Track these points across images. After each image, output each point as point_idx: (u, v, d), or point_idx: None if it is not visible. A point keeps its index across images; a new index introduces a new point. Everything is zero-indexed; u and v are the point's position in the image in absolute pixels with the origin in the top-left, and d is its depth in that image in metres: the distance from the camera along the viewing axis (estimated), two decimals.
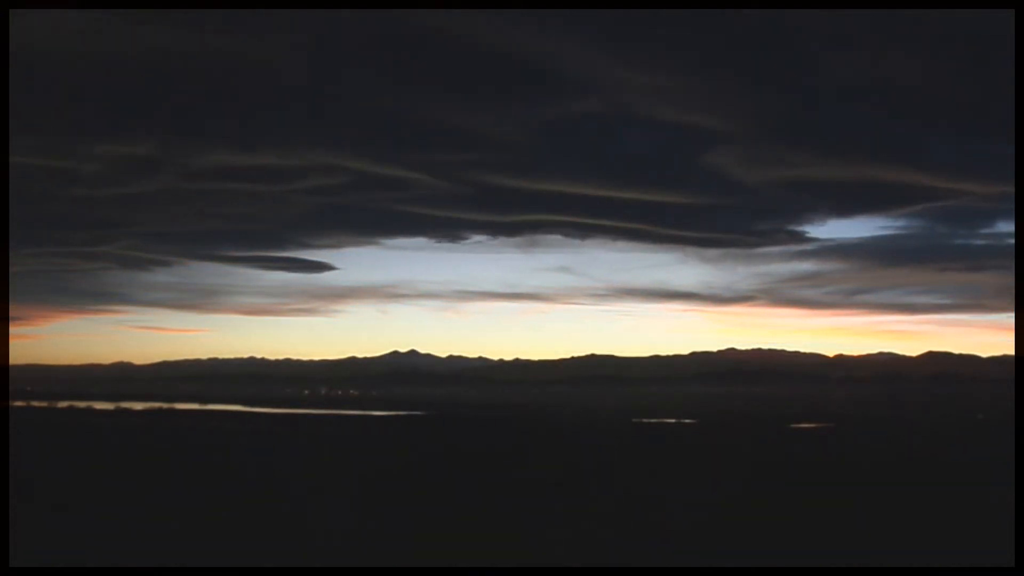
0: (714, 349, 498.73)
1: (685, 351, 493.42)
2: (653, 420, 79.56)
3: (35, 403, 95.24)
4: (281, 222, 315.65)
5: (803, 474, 29.04)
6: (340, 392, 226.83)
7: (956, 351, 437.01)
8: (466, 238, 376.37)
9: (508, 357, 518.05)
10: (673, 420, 79.65)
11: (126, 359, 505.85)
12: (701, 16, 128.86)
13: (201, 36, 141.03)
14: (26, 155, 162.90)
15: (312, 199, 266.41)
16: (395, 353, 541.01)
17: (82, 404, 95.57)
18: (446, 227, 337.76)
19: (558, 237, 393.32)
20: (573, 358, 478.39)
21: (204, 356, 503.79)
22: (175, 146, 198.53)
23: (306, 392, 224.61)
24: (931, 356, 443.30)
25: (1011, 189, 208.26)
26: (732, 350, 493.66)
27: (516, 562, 14.20)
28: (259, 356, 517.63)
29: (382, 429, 58.56)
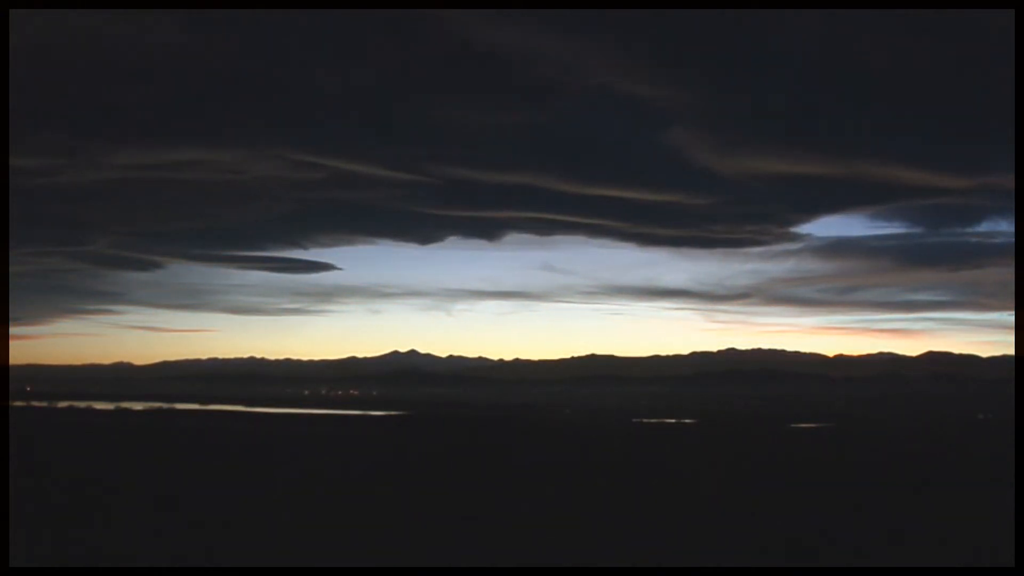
0: (714, 349, 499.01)
1: (685, 351, 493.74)
2: (653, 420, 79.63)
3: (35, 403, 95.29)
4: (281, 222, 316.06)
5: (803, 474, 29.04)
6: (340, 392, 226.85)
7: (956, 351, 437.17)
8: (473, 237, 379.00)
9: (508, 357, 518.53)
10: (673, 420, 79.69)
11: (126, 359, 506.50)
12: (686, 15, 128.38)
13: (191, 35, 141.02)
14: (24, 156, 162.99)
15: (312, 199, 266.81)
16: (395, 353, 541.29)
17: (82, 404, 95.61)
18: (448, 226, 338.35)
19: (541, 236, 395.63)
20: (573, 358, 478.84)
21: (204, 356, 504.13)
22: (171, 147, 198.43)
23: (306, 392, 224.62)
24: (931, 356, 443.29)
25: (999, 183, 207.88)
26: (732, 350, 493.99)
27: (516, 562, 14.20)
28: (259, 356, 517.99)
29: (382, 429, 58.56)
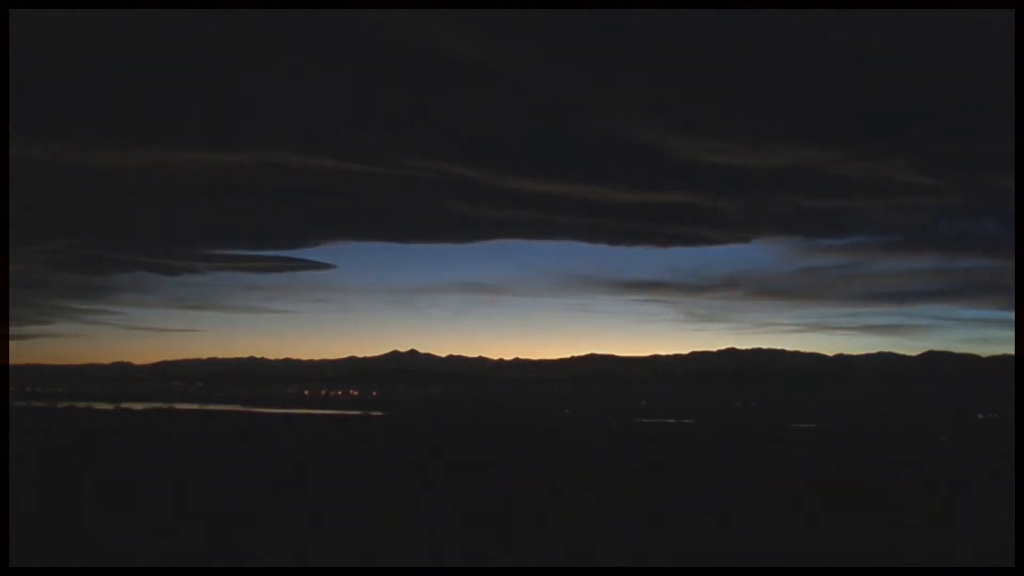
0: (714, 349, 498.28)
1: (685, 351, 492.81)
2: (653, 420, 79.63)
3: (35, 403, 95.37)
4: (280, 221, 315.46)
5: (803, 474, 29.04)
6: (340, 392, 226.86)
7: (956, 351, 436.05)
8: (478, 238, 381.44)
9: (508, 357, 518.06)
10: (673, 420, 79.70)
11: (126, 359, 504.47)
12: (657, 15, 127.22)
13: (184, 34, 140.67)
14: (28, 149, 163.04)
15: (311, 199, 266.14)
16: (395, 353, 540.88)
17: (82, 404, 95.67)
18: (448, 226, 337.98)
19: (538, 236, 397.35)
20: (573, 358, 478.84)
21: (204, 356, 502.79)
22: (170, 147, 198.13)
23: (306, 392, 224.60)
24: (931, 356, 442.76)
25: (996, 181, 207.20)
26: (732, 350, 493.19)
27: (515, 562, 14.20)
28: (259, 356, 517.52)
29: (382, 429, 58.56)
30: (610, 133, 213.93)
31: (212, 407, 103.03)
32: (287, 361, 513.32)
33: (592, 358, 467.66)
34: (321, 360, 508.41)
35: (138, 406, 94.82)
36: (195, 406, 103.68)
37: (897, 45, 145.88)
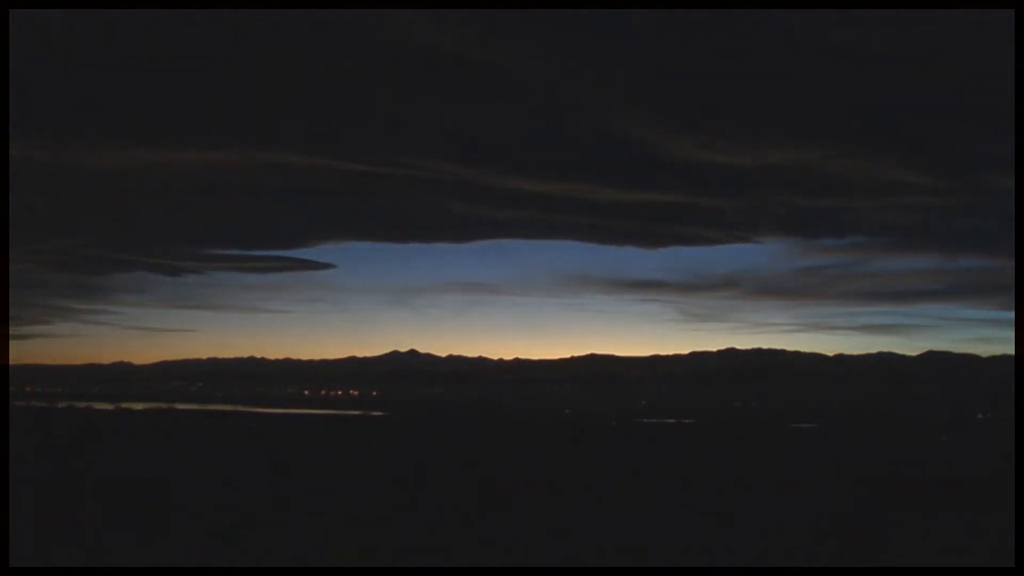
0: (714, 349, 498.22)
1: (685, 351, 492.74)
2: (653, 420, 79.68)
3: (35, 403, 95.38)
4: (280, 221, 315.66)
5: (803, 474, 29.06)
6: (340, 392, 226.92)
7: (956, 351, 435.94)
8: (477, 238, 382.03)
9: (508, 357, 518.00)
10: (673, 420, 79.75)
11: (126, 359, 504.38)
12: (656, 15, 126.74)
13: (185, 33, 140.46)
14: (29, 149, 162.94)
15: (311, 199, 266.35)
16: (395, 353, 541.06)
17: (82, 404, 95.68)
18: (447, 226, 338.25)
19: (537, 237, 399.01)
20: (573, 358, 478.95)
21: (204, 356, 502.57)
22: (169, 148, 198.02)
23: (306, 392, 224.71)
24: (931, 356, 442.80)
25: (992, 181, 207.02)
26: (732, 350, 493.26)
27: (515, 562, 14.21)
28: (259, 356, 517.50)
29: (382, 429, 58.58)
30: (610, 133, 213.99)
31: (212, 407, 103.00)
32: (287, 361, 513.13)
33: (592, 358, 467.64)
34: (321, 360, 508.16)
35: (138, 406, 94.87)
36: (195, 406, 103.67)
37: (897, 45, 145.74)
